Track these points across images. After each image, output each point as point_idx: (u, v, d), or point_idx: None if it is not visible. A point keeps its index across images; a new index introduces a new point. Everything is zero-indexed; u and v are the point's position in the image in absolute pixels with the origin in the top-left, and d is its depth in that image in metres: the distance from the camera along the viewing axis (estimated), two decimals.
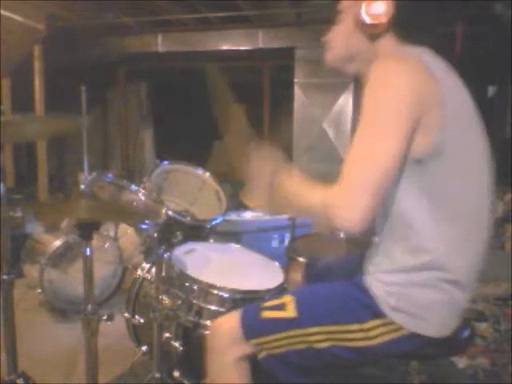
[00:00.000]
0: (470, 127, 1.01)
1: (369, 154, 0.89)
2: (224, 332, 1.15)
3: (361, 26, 1.02)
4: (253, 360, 1.14)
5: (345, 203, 0.89)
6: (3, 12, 3.21)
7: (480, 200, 1.03)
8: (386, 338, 1.01)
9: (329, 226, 0.92)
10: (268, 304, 1.14)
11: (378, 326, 1.01)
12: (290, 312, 1.09)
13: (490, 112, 4.35)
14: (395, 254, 1.02)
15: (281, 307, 1.11)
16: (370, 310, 1.02)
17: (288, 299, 1.11)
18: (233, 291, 1.37)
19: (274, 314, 1.11)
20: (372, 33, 1.03)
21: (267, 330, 1.10)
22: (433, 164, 0.93)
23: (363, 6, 0.99)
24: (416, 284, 1.00)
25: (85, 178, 1.56)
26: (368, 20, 1.00)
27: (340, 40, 1.09)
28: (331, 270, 1.41)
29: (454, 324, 1.06)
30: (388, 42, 1.03)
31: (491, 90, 4.59)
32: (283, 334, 1.08)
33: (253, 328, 1.12)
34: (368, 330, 1.02)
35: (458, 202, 0.98)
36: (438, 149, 0.92)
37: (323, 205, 0.92)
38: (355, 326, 1.03)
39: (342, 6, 1.08)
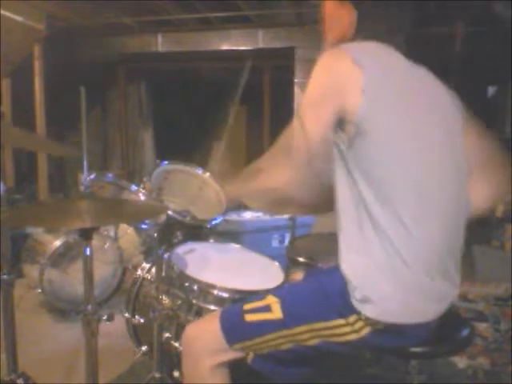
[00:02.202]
0: (418, 116, 1.03)
1: (304, 128, 1.02)
2: (202, 337, 1.14)
3: (335, 41, 1.13)
4: (243, 364, 1.13)
5: (289, 177, 1.04)
6: (3, 12, 3.21)
7: (437, 187, 1.03)
8: (368, 329, 1.02)
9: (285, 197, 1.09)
10: (250, 306, 1.13)
11: (357, 320, 1.02)
12: (276, 313, 1.08)
13: (489, 112, 4.36)
14: (349, 245, 1.04)
15: (265, 309, 1.10)
16: (348, 304, 1.02)
17: (272, 300, 1.10)
18: (233, 291, 1.37)
19: (259, 317, 1.10)
20: (342, 43, 1.11)
21: (253, 333, 1.10)
22: (362, 147, 0.98)
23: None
24: (370, 272, 1.00)
25: (84, 179, 1.56)
26: (334, 35, 1.13)
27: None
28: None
29: (428, 309, 1.05)
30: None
31: (491, 90, 4.59)
32: (270, 336, 1.08)
33: (236, 332, 1.11)
34: (353, 323, 1.02)
35: (397, 186, 0.99)
36: (362, 130, 0.97)
37: (275, 183, 1.07)
38: (341, 321, 1.03)
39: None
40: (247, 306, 1.13)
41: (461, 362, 2.08)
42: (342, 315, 1.03)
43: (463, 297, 2.80)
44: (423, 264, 1.01)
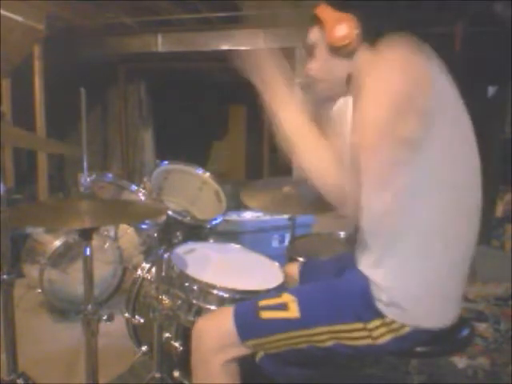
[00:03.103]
0: (460, 118, 1.02)
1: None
2: (214, 332, 1.12)
3: (334, 50, 1.10)
4: (250, 361, 1.13)
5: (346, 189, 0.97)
6: (3, 12, 3.21)
7: (474, 192, 1.03)
8: (388, 337, 1.02)
9: (330, 199, 1.00)
10: (266, 303, 1.12)
11: (379, 326, 1.02)
12: (293, 312, 1.07)
13: (489, 112, 4.35)
14: (376, 249, 1.04)
15: (282, 307, 1.09)
16: (371, 308, 1.02)
17: (289, 299, 1.09)
18: (233, 291, 1.36)
19: (276, 314, 1.09)
20: (346, 52, 1.09)
21: (268, 331, 1.09)
22: (429, 150, 0.94)
23: (328, 33, 1.08)
24: (401, 276, 1.00)
25: (84, 179, 1.56)
26: (337, 43, 1.08)
27: (323, 70, 1.16)
28: (326, 267, 1.40)
29: (451, 314, 1.06)
30: (365, 52, 1.08)
31: (491, 90, 4.59)
32: (286, 335, 1.07)
33: (250, 329, 1.10)
34: (371, 329, 1.02)
35: (446, 192, 0.98)
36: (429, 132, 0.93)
37: (336, 185, 0.98)
38: (360, 325, 1.03)
39: (312, 41, 1.15)
40: (262, 303, 1.12)
41: (461, 362, 2.08)
42: (361, 319, 1.03)
43: (463, 297, 2.80)
44: (456, 270, 1.02)
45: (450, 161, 0.98)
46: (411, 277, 1.01)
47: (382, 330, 1.01)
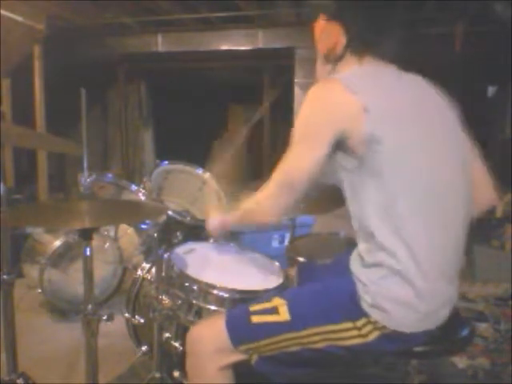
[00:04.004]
0: (425, 127, 1.05)
1: (290, 165, 1.07)
2: (207, 339, 1.14)
3: (324, 57, 1.18)
4: (247, 364, 1.13)
5: (269, 202, 1.12)
6: (3, 12, 3.21)
7: (450, 195, 1.04)
8: (376, 334, 1.02)
9: (258, 219, 1.17)
10: (257, 308, 1.13)
11: (367, 324, 1.03)
12: (284, 315, 1.08)
13: (490, 112, 4.36)
14: (363, 252, 1.05)
15: (273, 311, 1.10)
16: (358, 307, 1.03)
17: (279, 302, 1.11)
18: (233, 291, 1.36)
19: (266, 318, 1.10)
20: (333, 59, 1.15)
21: (259, 335, 1.10)
22: (374, 164, 0.99)
23: (316, 41, 1.18)
24: (381, 280, 1.01)
25: (84, 179, 1.56)
26: (322, 51, 1.17)
27: (320, 74, 1.23)
28: (326, 269, 1.41)
29: (436, 316, 1.05)
30: (349, 60, 1.13)
31: (491, 90, 4.59)
32: (277, 338, 1.08)
33: (242, 334, 1.11)
34: (360, 327, 1.03)
35: (414, 197, 1.00)
36: (371, 148, 0.98)
37: (256, 203, 1.15)
38: (349, 324, 1.04)
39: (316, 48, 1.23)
40: (254, 308, 1.13)
41: (461, 362, 2.08)
42: (350, 318, 1.04)
43: (463, 297, 2.80)
44: (437, 271, 1.02)
45: (410, 171, 1.01)
46: (393, 279, 1.01)
47: (369, 327, 1.03)
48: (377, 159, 0.99)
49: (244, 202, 1.22)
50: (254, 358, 1.12)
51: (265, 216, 1.14)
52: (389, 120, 1.01)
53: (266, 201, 1.12)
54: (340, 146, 1.02)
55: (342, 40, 1.11)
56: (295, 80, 4.22)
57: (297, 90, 4.22)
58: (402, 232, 1.00)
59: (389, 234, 1.00)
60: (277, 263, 1.62)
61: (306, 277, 1.45)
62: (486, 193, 1.19)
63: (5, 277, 1.54)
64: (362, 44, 1.11)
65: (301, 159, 1.05)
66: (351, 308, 1.04)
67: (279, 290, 1.38)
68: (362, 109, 0.98)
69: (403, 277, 1.00)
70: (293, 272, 1.54)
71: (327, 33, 1.14)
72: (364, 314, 1.02)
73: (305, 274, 1.48)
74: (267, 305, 1.12)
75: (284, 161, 1.07)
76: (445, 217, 1.03)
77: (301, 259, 1.84)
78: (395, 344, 1.06)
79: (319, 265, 1.50)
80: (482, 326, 2.45)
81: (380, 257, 1.01)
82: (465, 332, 1.23)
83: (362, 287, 1.03)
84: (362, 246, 1.07)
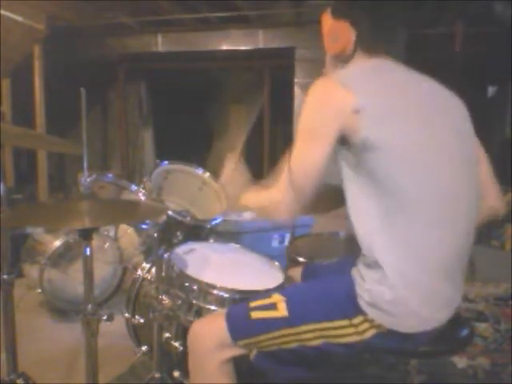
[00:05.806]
0: (427, 124, 1.04)
1: (298, 163, 1.06)
2: (208, 335, 1.15)
3: (333, 56, 1.18)
4: (246, 361, 1.14)
5: (281, 200, 1.08)
6: (3, 12, 3.21)
7: (453, 193, 1.04)
8: (373, 332, 1.03)
9: (272, 216, 1.14)
10: (256, 304, 1.15)
11: (363, 322, 1.03)
12: (282, 311, 1.09)
13: (490, 112, 4.35)
14: (363, 251, 1.05)
15: (271, 307, 1.11)
16: (354, 305, 1.03)
17: (278, 298, 1.12)
18: (233, 291, 1.36)
19: (265, 314, 1.12)
20: (343, 58, 1.16)
21: (257, 330, 1.11)
22: (372, 161, 0.99)
23: (324, 40, 1.18)
24: (380, 280, 1.01)
25: (84, 179, 1.56)
26: (330, 51, 1.17)
27: (330, 69, 1.23)
28: (329, 269, 1.41)
29: (436, 316, 1.05)
30: (359, 58, 1.13)
31: (491, 90, 4.59)
32: (275, 334, 1.09)
33: (241, 329, 1.13)
34: (357, 325, 1.03)
35: (414, 196, 1.00)
36: (368, 146, 0.98)
37: (269, 201, 1.13)
38: (345, 322, 1.04)
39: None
40: (253, 304, 1.15)
41: (461, 362, 2.08)
42: (347, 316, 1.04)
43: (463, 297, 2.80)
44: (437, 273, 1.02)
45: (410, 170, 1.00)
46: (393, 278, 1.00)
47: (366, 325, 1.03)
48: (373, 159, 0.99)
49: (255, 196, 1.20)
50: (254, 353, 1.14)
51: (279, 214, 1.12)
52: (388, 120, 1.00)
53: (281, 198, 1.09)
54: (342, 141, 1.02)
55: (352, 37, 1.11)
56: (295, 80, 4.22)
57: (297, 90, 4.22)
58: (402, 233, 1.00)
59: (389, 234, 1.00)
60: (277, 263, 1.62)
61: (310, 277, 1.46)
62: (490, 201, 1.18)
63: (5, 277, 1.54)
64: (372, 39, 1.10)
65: (309, 156, 1.04)
66: (348, 305, 1.04)
67: (279, 290, 1.38)
68: (355, 109, 0.98)
69: (402, 278, 1.00)
70: (293, 272, 1.54)
71: (336, 32, 1.13)
72: (361, 312, 1.02)
73: (308, 274, 1.48)
74: (266, 301, 1.14)
75: (292, 159, 1.06)
76: (446, 219, 1.03)
77: (301, 259, 1.84)
78: (392, 342, 1.06)
79: (323, 265, 1.51)
80: (482, 326, 2.45)
81: (379, 257, 1.01)
82: (465, 332, 1.23)
83: (360, 285, 1.03)
84: (362, 245, 1.06)
